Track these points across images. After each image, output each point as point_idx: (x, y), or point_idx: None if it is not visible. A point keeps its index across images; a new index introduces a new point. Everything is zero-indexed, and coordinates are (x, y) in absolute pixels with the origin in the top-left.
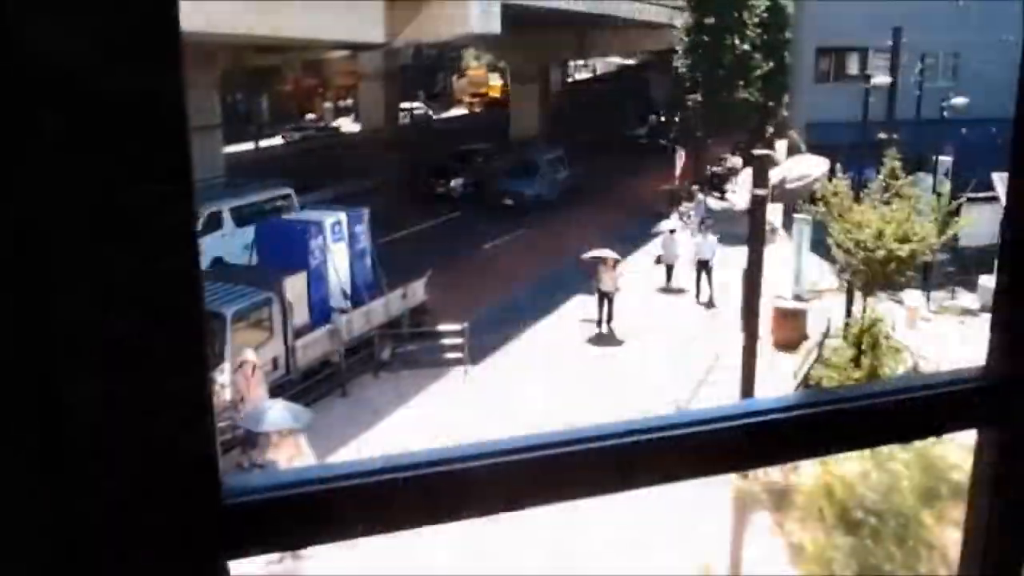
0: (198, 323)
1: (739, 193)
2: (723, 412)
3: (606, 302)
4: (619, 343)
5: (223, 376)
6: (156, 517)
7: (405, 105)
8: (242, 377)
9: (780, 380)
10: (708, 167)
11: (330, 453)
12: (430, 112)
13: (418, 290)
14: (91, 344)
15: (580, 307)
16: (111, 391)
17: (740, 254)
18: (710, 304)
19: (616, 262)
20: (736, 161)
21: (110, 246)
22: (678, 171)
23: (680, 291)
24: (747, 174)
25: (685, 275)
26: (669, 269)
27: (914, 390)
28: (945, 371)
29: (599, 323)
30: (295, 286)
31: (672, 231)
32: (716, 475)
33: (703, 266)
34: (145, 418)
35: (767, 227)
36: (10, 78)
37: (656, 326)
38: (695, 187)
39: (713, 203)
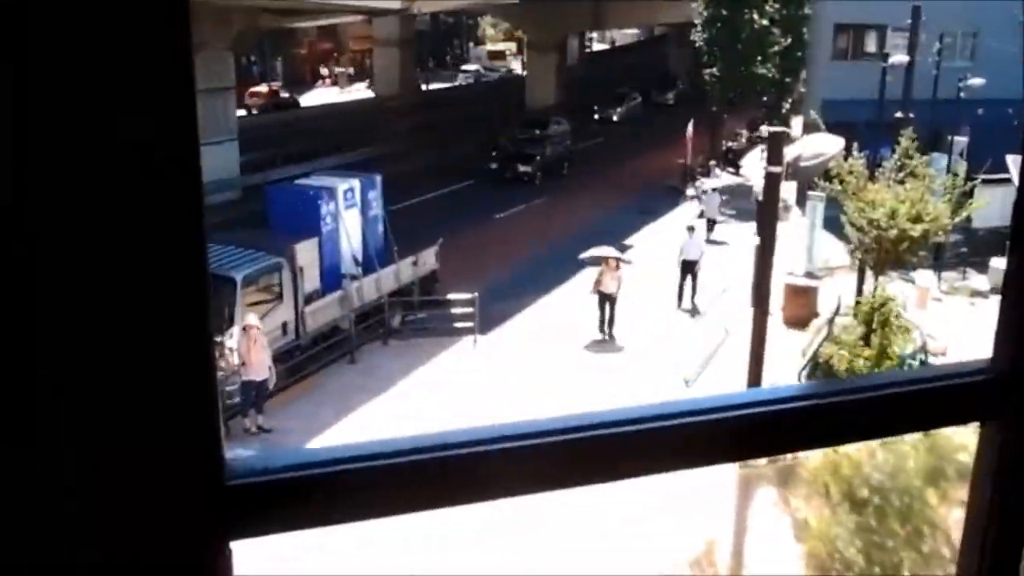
0: (202, 300)
1: (754, 169)
2: (729, 401)
3: (607, 306)
4: (619, 349)
5: (232, 340)
6: (157, 498)
7: (466, 67)
8: (245, 341)
9: (789, 357)
10: (724, 142)
11: (337, 419)
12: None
13: (429, 258)
14: (89, 320)
15: None
16: (111, 368)
17: (753, 230)
18: (694, 311)
19: (618, 262)
20: (764, 129)
21: (108, 214)
22: (689, 145)
23: (723, 243)
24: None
25: (728, 231)
26: (711, 223)
27: (921, 381)
28: (952, 363)
29: (601, 327)
30: (306, 252)
31: (714, 189)
32: (722, 463)
33: (688, 268)
34: (146, 396)
35: (781, 204)
36: None
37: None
38: (712, 162)
39: (728, 178)
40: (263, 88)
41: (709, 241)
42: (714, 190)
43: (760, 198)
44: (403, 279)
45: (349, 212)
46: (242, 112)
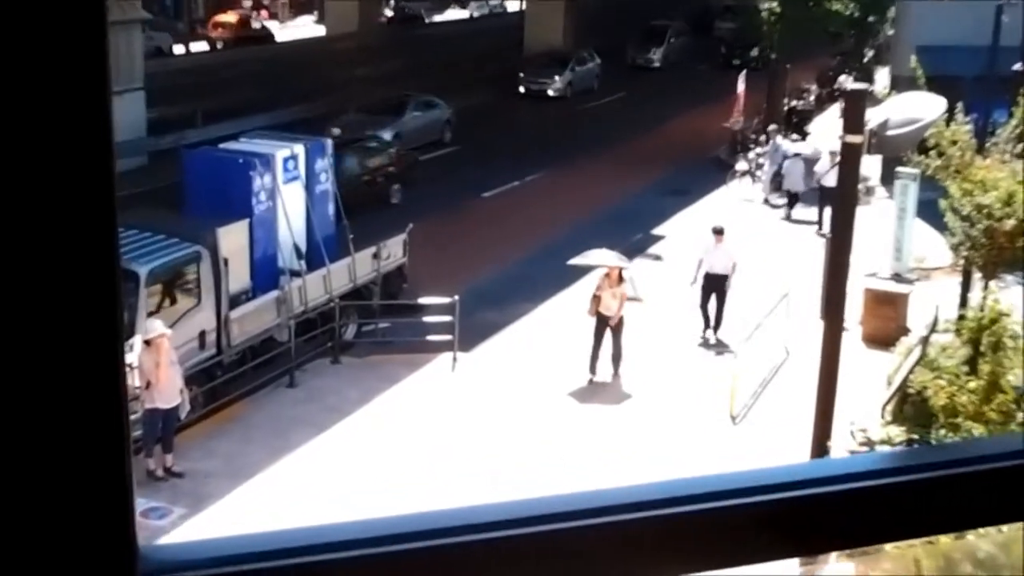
0: (114, 343)
1: (826, 136)
2: (788, 476)
3: (609, 334)
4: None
5: (132, 355)
6: None
7: None
8: (149, 357)
9: (870, 386)
10: (787, 100)
11: (271, 461)
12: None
13: (395, 249)
14: None
15: None
16: None
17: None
18: (721, 347)
19: (621, 273)
20: (841, 83)
21: None
22: (740, 104)
23: (808, 223)
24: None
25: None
26: (793, 198)
27: None
28: None
29: (592, 366)
30: (233, 238)
31: (797, 155)
32: (775, 560)
33: (714, 285)
34: (41, 467)
35: (861, 185)
36: None
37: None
38: (771, 127)
39: (790, 148)
40: (231, 17)
41: (791, 220)
42: (797, 155)
43: (822, 180)
44: (360, 276)
45: (290, 187)
46: (205, 46)
